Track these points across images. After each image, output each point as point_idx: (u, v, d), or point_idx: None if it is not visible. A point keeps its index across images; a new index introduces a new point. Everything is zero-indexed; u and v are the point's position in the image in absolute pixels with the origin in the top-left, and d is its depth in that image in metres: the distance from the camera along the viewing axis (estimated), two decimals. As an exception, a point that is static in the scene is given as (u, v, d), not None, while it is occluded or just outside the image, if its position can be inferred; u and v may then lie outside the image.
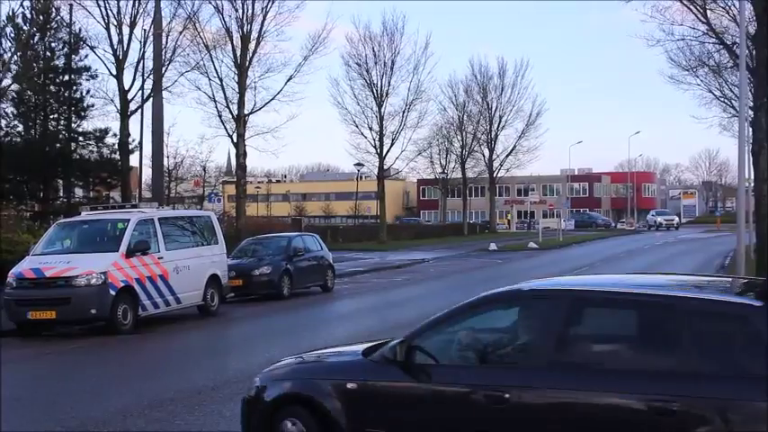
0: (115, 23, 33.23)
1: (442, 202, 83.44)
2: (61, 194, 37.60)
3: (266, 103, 39.58)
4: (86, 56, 36.35)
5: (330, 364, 6.75)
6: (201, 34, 36.74)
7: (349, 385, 6.07)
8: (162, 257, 17.14)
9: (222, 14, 38.04)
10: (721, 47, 23.72)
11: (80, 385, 11.06)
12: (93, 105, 36.59)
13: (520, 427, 5.38)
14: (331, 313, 20.40)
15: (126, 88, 33.70)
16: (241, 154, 39.12)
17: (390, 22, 63.14)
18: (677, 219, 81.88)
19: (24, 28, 33.74)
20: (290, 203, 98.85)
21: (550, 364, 5.40)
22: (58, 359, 13.67)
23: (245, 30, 38.35)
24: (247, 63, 38.65)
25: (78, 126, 36.88)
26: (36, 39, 34.86)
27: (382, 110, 55.16)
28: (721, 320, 5.13)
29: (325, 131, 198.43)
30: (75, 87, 36.51)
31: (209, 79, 38.39)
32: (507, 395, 5.35)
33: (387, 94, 55.13)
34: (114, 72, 33.63)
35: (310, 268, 23.83)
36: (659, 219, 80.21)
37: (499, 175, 74.75)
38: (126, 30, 33.49)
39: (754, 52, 19.61)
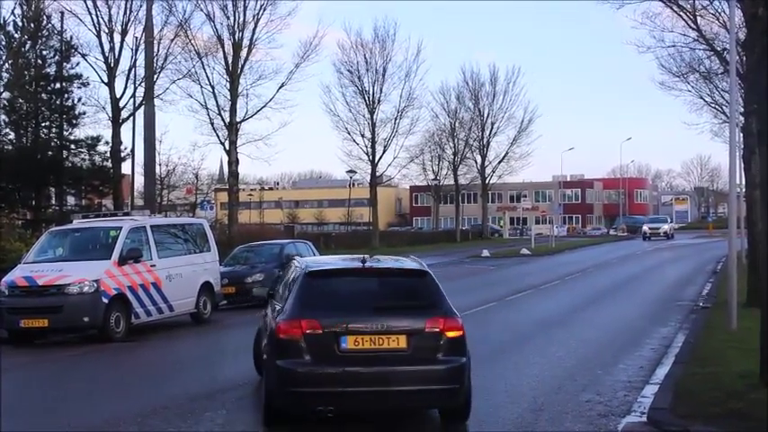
0: (106, 31, 33.36)
1: (435, 209, 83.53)
2: (53, 202, 37.53)
3: (258, 111, 39.74)
4: (78, 63, 36.46)
5: None
6: (193, 42, 36.90)
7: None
8: (154, 265, 17.12)
9: (213, 22, 38.24)
10: (711, 53, 23.79)
11: (73, 393, 11.03)
12: (84, 113, 36.67)
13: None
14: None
15: (117, 96, 33.74)
16: (233, 161, 39.18)
17: (382, 29, 63.86)
18: (666, 226, 68.55)
19: (15, 36, 33.75)
20: (283, 210, 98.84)
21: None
22: (51, 367, 13.63)
23: (236, 37, 38.48)
24: (239, 70, 38.74)
25: (70, 134, 36.89)
26: (27, 47, 34.86)
27: (374, 117, 55.47)
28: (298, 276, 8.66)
29: (317, 139, 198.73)
30: (66, 95, 36.49)
31: (201, 87, 38.55)
32: (279, 307, 8.87)
33: (378, 101, 55.48)
34: (106, 80, 33.69)
35: (303, 275, 23.72)
36: (645, 227, 69.36)
37: (491, 182, 74.87)
38: (117, 37, 33.61)
39: (744, 58, 19.69)
